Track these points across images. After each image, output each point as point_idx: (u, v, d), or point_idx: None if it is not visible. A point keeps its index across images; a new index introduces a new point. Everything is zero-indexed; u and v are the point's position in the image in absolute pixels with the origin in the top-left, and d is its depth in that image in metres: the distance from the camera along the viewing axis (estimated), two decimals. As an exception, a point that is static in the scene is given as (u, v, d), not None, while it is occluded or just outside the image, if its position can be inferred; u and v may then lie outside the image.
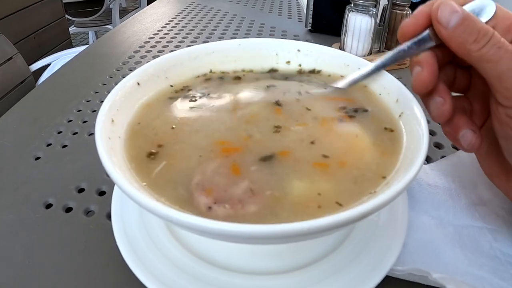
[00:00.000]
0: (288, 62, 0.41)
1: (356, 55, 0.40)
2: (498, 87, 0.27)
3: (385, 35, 0.73)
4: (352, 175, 0.27)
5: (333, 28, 0.85)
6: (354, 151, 0.29)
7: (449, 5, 0.27)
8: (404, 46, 0.31)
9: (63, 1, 2.25)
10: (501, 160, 0.31)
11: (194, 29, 0.97)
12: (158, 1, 1.27)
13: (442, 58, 0.30)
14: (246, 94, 0.36)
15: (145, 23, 1.02)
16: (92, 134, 0.52)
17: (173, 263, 0.30)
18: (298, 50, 0.41)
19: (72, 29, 2.80)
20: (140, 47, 0.85)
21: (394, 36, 0.73)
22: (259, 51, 0.41)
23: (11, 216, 0.38)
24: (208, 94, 0.36)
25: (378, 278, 0.29)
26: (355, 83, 0.35)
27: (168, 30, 0.96)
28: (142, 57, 0.79)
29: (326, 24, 0.89)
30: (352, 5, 0.68)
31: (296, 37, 0.91)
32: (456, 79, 0.33)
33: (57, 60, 1.22)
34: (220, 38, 0.91)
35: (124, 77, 0.34)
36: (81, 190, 0.42)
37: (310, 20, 0.91)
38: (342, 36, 0.72)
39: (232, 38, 0.91)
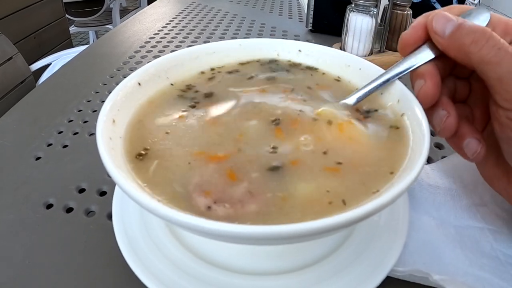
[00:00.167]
0: (289, 62, 0.41)
1: (357, 55, 0.40)
2: (498, 89, 0.27)
3: (386, 35, 0.73)
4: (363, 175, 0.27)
5: (334, 28, 0.85)
6: (363, 151, 0.29)
7: (442, 15, 0.28)
8: (406, 59, 0.31)
9: (63, 1, 2.25)
10: (501, 163, 0.31)
11: (194, 29, 0.97)
12: (158, 1, 1.27)
13: (443, 70, 0.30)
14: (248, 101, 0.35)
15: (145, 23, 1.02)
16: (92, 134, 0.52)
17: (173, 264, 0.30)
18: (299, 50, 0.41)
19: (72, 29, 2.80)
20: (141, 47, 0.85)
21: (395, 36, 0.73)
22: (259, 51, 0.41)
23: (11, 216, 0.38)
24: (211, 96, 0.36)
25: (378, 279, 0.29)
26: (364, 97, 0.34)
27: (169, 30, 0.96)
28: (142, 57, 0.79)
29: (327, 24, 0.89)
30: (353, 5, 0.68)
31: (296, 37, 0.91)
32: (456, 91, 0.33)
33: (58, 60, 1.22)
34: (221, 38, 0.91)
35: (125, 77, 0.34)
36: (81, 190, 0.42)
37: (311, 20, 0.91)
38: (343, 36, 0.72)
39: (232, 38, 0.91)
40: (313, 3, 0.87)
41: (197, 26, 1.00)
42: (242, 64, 0.41)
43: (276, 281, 0.30)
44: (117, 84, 0.32)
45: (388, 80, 0.32)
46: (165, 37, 0.91)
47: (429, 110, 0.30)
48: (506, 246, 0.33)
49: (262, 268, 0.31)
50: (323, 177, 0.27)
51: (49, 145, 0.50)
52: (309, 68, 0.40)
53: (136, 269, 0.29)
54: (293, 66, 0.41)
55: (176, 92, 0.36)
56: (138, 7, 3.56)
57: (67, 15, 2.33)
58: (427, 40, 0.30)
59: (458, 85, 0.32)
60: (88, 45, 0.91)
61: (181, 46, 0.86)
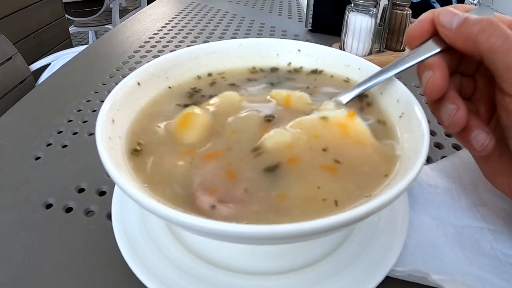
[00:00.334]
0: (289, 64, 0.41)
1: (356, 55, 0.40)
2: (506, 77, 0.27)
3: (385, 35, 0.73)
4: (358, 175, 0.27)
5: (333, 28, 0.85)
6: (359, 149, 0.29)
7: (449, 10, 0.29)
8: (413, 52, 0.31)
9: (63, 1, 2.25)
10: (504, 159, 0.31)
11: (194, 29, 0.97)
12: (158, 0, 1.27)
13: (449, 65, 0.30)
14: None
15: (145, 23, 1.02)
16: (92, 134, 0.52)
17: (173, 263, 0.30)
18: (299, 50, 0.41)
19: (72, 29, 2.80)
20: (140, 47, 0.85)
21: (394, 36, 0.73)
22: (259, 51, 0.41)
23: (11, 216, 0.38)
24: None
25: (378, 279, 0.29)
26: (357, 96, 0.35)
27: (168, 30, 0.96)
28: (142, 57, 0.79)
29: (326, 24, 0.89)
30: (352, 5, 0.68)
31: (296, 37, 0.91)
32: (462, 88, 0.33)
33: (57, 60, 1.22)
34: (220, 38, 0.91)
35: (124, 77, 0.34)
36: (81, 190, 0.42)
37: (310, 20, 0.91)
38: (343, 36, 0.72)
39: (232, 38, 0.91)
40: (312, 3, 0.87)
41: (197, 26, 1.00)
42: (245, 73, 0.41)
43: (276, 281, 0.30)
44: (116, 84, 0.32)
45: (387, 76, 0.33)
46: (165, 37, 0.91)
47: (436, 104, 0.30)
48: (506, 246, 0.33)
49: (262, 268, 0.31)
50: (321, 175, 0.27)
51: (49, 145, 0.50)
52: (313, 72, 0.40)
53: (136, 269, 0.29)
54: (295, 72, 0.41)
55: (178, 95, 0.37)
56: (137, 7, 3.56)
57: (66, 15, 2.33)
58: (433, 35, 0.30)
59: (464, 82, 0.33)
60: (87, 45, 0.91)
61: (180, 46, 0.86)
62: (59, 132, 0.52)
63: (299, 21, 1.04)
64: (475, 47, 0.27)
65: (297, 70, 0.41)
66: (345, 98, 0.34)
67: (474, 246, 0.33)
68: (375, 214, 0.22)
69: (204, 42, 0.83)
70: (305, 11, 0.93)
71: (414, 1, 0.69)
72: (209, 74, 0.40)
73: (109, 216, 0.38)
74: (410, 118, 0.30)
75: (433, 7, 0.79)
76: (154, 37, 0.91)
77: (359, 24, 0.68)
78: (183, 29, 0.97)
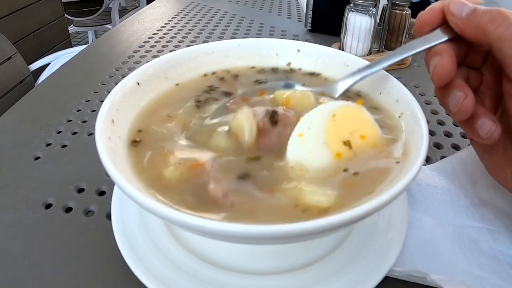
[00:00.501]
0: (289, 64, 0.41)
1: (355, 55, 0.40)
2: None
3: (384, 35, 0.73)
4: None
5: (333, 28, 0.85)
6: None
7: (459, 1, 0.29)
8: (418, 39, 0.31)
9: (63, 1, 2.25)
10: (509, 153, 0.31)
11: (193, 29, 0.97)
12: (157, 0, 1.27)
13: (458, 54, 0.30)
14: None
15: (144, 22, 1.02)
16: (91, 134, 0.52)
17: (173, 263, 0.30)
18: (298, 50, 0.41)
19: (71, 29, 2.80)
20: (140, 46, 0.85)
21: (393, 36, 0.73)
22: (258, 51, 0.41)
23: (11, 216, 0.38)
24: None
25: (377, 278, 0.29)
26: (349, 89, 0.35)
27: (168, 30, 0.96)
28: (141, 57, 0.79)
29: (326, 24, 0.89)
30: (351, 5, 0.68)
31: (295, 37, 0.91)
32: (468, 80, 0.33)
33: (57, 60, 1.21)
34: (220, 38, 0.91)
35: (124, 77, 0.34)
36: (80, 190, 0.42)
37: (310, 20, 0.91)
38: (342, 36, 0.72)
39: (231, 38, 0.91)
40: (312, 3, 0.87)
41: (196, 26, 1.00)
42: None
43: (276, 281, 0.30)
44: (116, 84, 0.32)
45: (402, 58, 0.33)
46: (164, 37, 0.91)
47: (444, 92, 0.30)
48: (504, 245, 0.33)
49: (262, 267, 0.31)
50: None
51: (48, 145, 0.50)
52: (311, 74, 0.41)
53: (136, 269, 0.29)
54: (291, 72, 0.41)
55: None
56: (137, 7, 3.56)
57: (66, 15, 2.32)
58: (442, 24, 0.31)
59: (470, 75, 0.33)
60: (87, 45, 0.91)
61: (180, 46, 0.86)
62: (59, 132, 0.52)
63: (299, 21, 1.04)
64: (484, 36, 0.28)
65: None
66: (342, 86, 0.34)
67: (473, 246, 0.33)
68: (374, 214, 0.22)
69: (204, 42, 0.83)
70: (304, 11, 0.93)
71: (414, 1, 0.69)
72: (213, 73, 0.40)
73: (108, 216, 0.38)
74: (409, 118, 0.30)
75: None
76: (153, 37, 0.91)
77: (359, 24, 0.68)
78: (182, 29, 0.97)
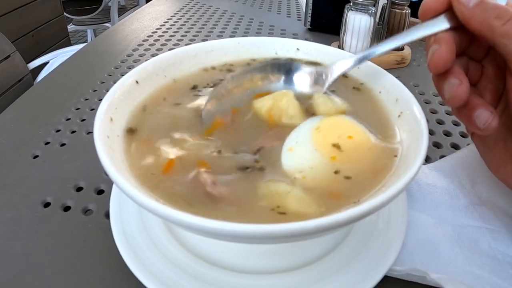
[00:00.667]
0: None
1: (355, 53, 0.40)
2: None
3: (384, 34, 0.73)
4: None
5: (332, 27, 0.85)
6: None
7: None
8: (419, 26, 0.31)
9: (62, -1, 2.25)
10: (510, 147, 0.31)
11: (192, 28, 0.97)
12: (156, -1, 1.27)
13: (459, 43, 0.30)
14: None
15: (143, 21, 1.02)
16: (90, 132, 0.52)
17: (171, 262, 0.30)
18: (297, 49, 0.41)
19: (70, 27, 2.79)
20: (139, 45, 0.84)
21: (393, 35, 0.72)
22: (258, 50, 0.41)
23: (9, 215, 0.38)
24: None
25: (376, 278, 0.29)
26: (347, 72, 0.35)
27: (167, 29, 0.96)
28: (140, 55, 0.79)
29: (325, 23, 0.89)
30: (351, 4, 0.68)
31: (295, 36, 0.91)
32: (468, 71, 0.32)
33: (55, 58, 1.21)
34: (219, 37, 0.90)
35: (122, 76, 0.34)
36: (79, 189, 0.42)
37: (309, 19, 0.91)
38: (341, 34, 0.72)
39: (231, 36, 0.91)
40: (311, 2, 0.87)
41: (195, 24, 1.00)
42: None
43: (276, 280, 0.30)
44: (115, 83, 0.32)
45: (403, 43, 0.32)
46: (163, 36, 0.91)
47: (440, 79, 0.30)
48: (504, 245, 0.33)
49: (260, 267, 0.31)
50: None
51: (47, 143, 0.49)
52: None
53: (134, 268, 0.29)
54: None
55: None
56: (136, 5, 3.55)
57: (65, 13, 2.32)
58: (446, 10, 0.30)
59: (471, 67, 0.33)
60: (86, 44, 0.91)
61: (179, 44, 0.86)
62: (57, 131, 0.52)
63: (298, 20, 1.04)
64: (489, 31, 0.27)
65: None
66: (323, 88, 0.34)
67: (472, 246, 0.33)
68: (373, 213, 0.22)
69: (203, 40, 0.82)
70: (304, 10, 0.92)
71: (413, 0, 0.69)
72: (213, 68, 0.40)
73: (107, 215, 0.37)
74: (409, 118, 0.30)
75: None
76: (152, 36, 0.90)
77: (358, 23, 0.68)
78: (181, 28, 0.97)
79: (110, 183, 0.41)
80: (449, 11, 0.30)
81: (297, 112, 0.32)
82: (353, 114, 0.33)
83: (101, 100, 0.30)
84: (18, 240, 0.35)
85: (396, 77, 0.34)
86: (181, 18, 1.05)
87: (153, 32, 0.93)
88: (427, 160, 0.46)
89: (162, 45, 0.85)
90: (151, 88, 0.35)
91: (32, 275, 0.32)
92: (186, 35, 0.91)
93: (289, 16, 1.08)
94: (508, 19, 0.27)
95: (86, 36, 3.31)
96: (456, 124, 0.54)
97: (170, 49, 0.37)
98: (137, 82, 0.34)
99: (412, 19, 0.70)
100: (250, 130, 0.31)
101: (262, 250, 0.32)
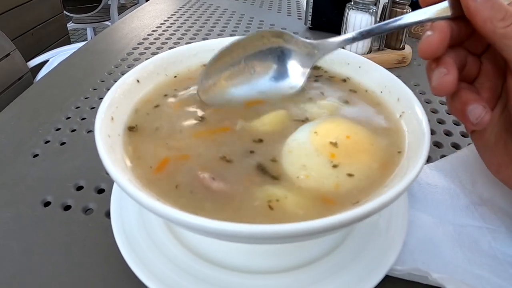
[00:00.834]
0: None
1: (356, 53, 0.40)
2: None
3: (385, 33, 0.72)
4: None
5: (333, 26, 0.85)
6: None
7: None
8: (420, 10, 0.30)
9: (61, -3, 2.24)
10: (510, 149, 0.31)
11: (193, 26, 0.97)
12: (156, -3, 1.27)
13: (456, 34, 0.30)
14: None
15: (143, 19, 1.02)
16: (90, 131, 0.52)
17: (172, 262, 0.30)
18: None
19: (70, 26, 2.79)
20: (139, 43, 0.84)
21: (394, 35, 0.72)
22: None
23: (9, 214, 0.38)
24: None
25: (378, 277, 0.29)
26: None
27: (167, 27, 0.95)
28: (140, 54, 0.78)
29: (326, 22, 0.89)
30: (352, 3, 0.67)
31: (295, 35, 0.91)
32: (466, 65, 0.32)
33: (55, 57, 1.21)
34: (219, 35, 0.90)
35: (123, 74, 0.34)
36: (79, 188, 0.41)
37: (310, 18, 0.90)
38: (342, 33, 0.71)
39: (231, 35, 0.90)
40: (312, 1, 0.87)
41: (196, 23, 0.99)
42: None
43: (277, 280, 0.30)
44: (115, 81, 0.32)
45: (399, 27, 0.32)
46: (164, 34, 0.90)
47: (431, 67, 0.30)
48: (504, 245, 0.33)
49: (262, 266, 0.31)
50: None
51: (47, 142, 0.49)
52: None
53: (135, 268, 0.29)
54: None
55: None
56: (136, 4, 3.54)
57: (65, 12, 2.31)
58: None
59: (469, 61, 0.32)
60: (86, 42, 0.90)
61: (179, 43, 0.85)
62: (57, 129, 0.52)
63: (298, 19, 1.04)
64: (491, 31, 0.27)
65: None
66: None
67: (473, 245, 0.33)
68: (374, 214, 0.21)
69: (203, 39, 0.82)
70: (304, 9, 0.92)
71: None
72: None
73: (107, 214, 0.37)
74: (410, 117, 0.30)
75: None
76: (153, 34, 0.90)
77: (359, 22, 0.68)
78: (182, 26, 0.96)
79: (110, 182, 0.41)
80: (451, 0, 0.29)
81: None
82: (354, 114, 0.33)
83: (101, 98, 0.30)
84: (17, 239, 0.35)
85: (397, 77, 0.34)
86: (181, 17, 1.04)
87: (153, 31, 0.93)
88: (428, 159, 0.46)
89: (163, 43, 0.85)
90: (152, 87, 0.35)
91: (31, 275, 0.32)
92: (186, 34, 0.91)
93: (290, 15, 1.08)
94: (511, 23, 0.27)
95: (86, 34, 3.30)
96: (456, 123, 0.54)
97: (170, 48, 0.37)
98: (138, 81, 0.34)
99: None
100: (249, 133, 0.31)
101: (263, 250, 0.32)
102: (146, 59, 0.36)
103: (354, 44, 0.70)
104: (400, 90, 0.32)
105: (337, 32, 0.73)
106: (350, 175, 0.27)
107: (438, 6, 0.30)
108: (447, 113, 0.56)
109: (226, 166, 0.27)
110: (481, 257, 0.32)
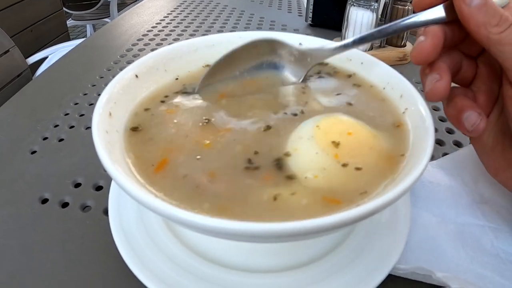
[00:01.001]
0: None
1: (357, 49, 0.39)
2: None
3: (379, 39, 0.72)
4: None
5: (334, 23, 0.85)
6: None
7: None
8: (413, 16, 0.30)
9: (61, -6, 2.24)
10: (507, 153, 0.31)
11: (193, 22, 0.96)
12: (156, -6, 1.26)
13: (450, 38, 0.29)
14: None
15: (143, 16, 1.01)
16: (89, 127, 0.51)
17: (171, 260, 0.30)
18: (300, 44, 0.40)
19: (69, 22, 2.78)
20: (138, 40, 0.84)
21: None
22: (260, 45, 0.40)
23: (6, 212, 0.37)
24: None
25: (381, 276, 0.28)
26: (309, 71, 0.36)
27: (167, 23, 0.95)
28: (140, 50, 0.78)
29: (327, 19, 0.88)
30: (353, -1, 0.67)
31: (296, 32, 0.90)
32: (461, 68, 0.32)
33: (54, 53, 1.21)
34: (219, 32, 0.90)
35: (122, 70, 0.33)
36: (77, 185, 0.41)
37: (311, 15, 0.90)
38: (343, 30, 0.71)
39: (231, 31, 0.90)
40: (313, -2, 0.87)
41: (196, 19, 0.99)
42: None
43: (278, 279, 0.29)
44: (114, 77, 0.32)
45: (393, 32, 0.31)
46: (163, 30, 0.90)
47: (425, 73, 0.30)
48: (507, 244, 0.33)
49: (262, 265, 0.30)
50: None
51: (45, 138, 0.49)
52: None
53: (133, 266, 0.29)
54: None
55: None
56: (136, 0, 3.53)
57: (64, 8, 2.31)
58: (443, 2, 0.29)
59: (464, 64, 0.32)
60: (85, 38, 0.90)
61: (179, 39, 0.85)
62: (56, 126, 0.52)
63: (299, 16, 1.03)
64: (485, 37, 0.27)
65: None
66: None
67: (475, 244, 0.33)
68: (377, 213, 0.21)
69: (203, 35, 0.82)
70: (305, 6, 0.92)
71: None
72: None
73: (106, 212, 0.37)
74: (413, 114, 0.30)
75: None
76: (152, 30, 0.90)
77: (360, 19, 0.67)
78: (181, 23, 0.96)
79: (108, 179, 0.41)
80: (448, 2, 0.29)
81: None
82: (357, 111, 0.32)
83: (100, 95, 0.30)
84: (15, 237, 0.35)
85: (400, 73, 0.34)
86: (181, 13, 1.04)
87: (153, 27, 0.92)
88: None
89: (162, 39, 0.84)
90: (151, 83, 0.35)
91: (29, 273, 0.31)
92: (186, 30, 0.90)
93: (290, 12, 1.07)
94: (507, 28, 0.26)
95: (86, 31, 3.30)
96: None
97: (170, 44, 0.36)
98: (136, 76, 0.34)
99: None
100: (251, 129, 0.31)
101: (263, 249, 0.32)
102: (146, 55, 0.36)
103: (356, 41, 0.69)
104: (403, 87, 0.32)
105: (338, 29, 0.73)
106: (358, 168, 0.27)
107: (432, 11, 0.29)
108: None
109: (230, 165, 0.27)
110: (484, 256, 0.32)
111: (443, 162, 0.41)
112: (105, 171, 0.30)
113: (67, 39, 2.26)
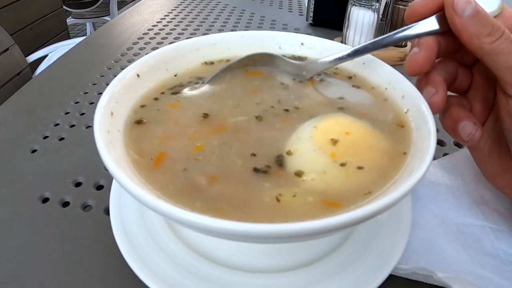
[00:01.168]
0: (292, 56, 0.40)
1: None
2: (508, 79, 0.27)
3: (387, 30, 0.72)
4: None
5: (335, 22, 0.84)
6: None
7: None
8: (406, 28, 0.30)
9: (61, -8, 2.23)
10: (504, 160, 0.31)
11: (193, 21, 0.96)
12: (157, -8, 1.26)
13: (444, 48, 0.30)
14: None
15: (144, 14, 1.01)
16: (89, 126, 0.51)
17: (172, 260, 0.30)
18: (302, 44, 0.40)
19: (69, 21, 2.78)
20: (139, 38, 0.84)
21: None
22: (261, 44, 0.40)
23: (6, 211, 0.37)
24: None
25: (382, 276, 0.28)
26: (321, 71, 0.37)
27: (167, 22, 0.95)
28: (140, 49, 0.78)
29: (328, 18, 0.88)
30: (355, -1, 0.67)
31: (297, 31, 0.90)
32: (457, 77, 0.32)
33: (54, 52, 1.21)
34: (220, 31, 0.90)
35: (122, 69, 0.33)
36: (78, 184, 0.41)
37: (311, 14, 0.90)
38: (344, 30, 0.71)
39: (232, 30, 0.90)
40: (313, -3, 0.87)
41: (196, 18, 0.99)
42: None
43: (279, 279, 0.29)
44: (115, 76, 0.32)
45: (386, 45, 0.31)
46: (164, 29, 0.90)
47: (421, 85, 0.30)
48: (507, 244, 0.33)
49: (262, 265, 0.30)
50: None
51: (45, 137, 0.49)
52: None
53: (134, 266, 0.29)
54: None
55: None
56: (136, -1, 3.53)
57: (64, 7, 2.31)
58: (436, 13, 0.29)
59: (460, 72, 0.32)
60: (85, 37, 0.90)
61: (179, 38, 0.85)
62: (56, 125, 0.52)
63: (300, 15, 1.03)
64: (478, 47, 0.27)
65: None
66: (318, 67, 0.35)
67: (476, 245, 0.33)
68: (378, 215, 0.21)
69: (204, 34, 0.82)
70: (306, 5, 0.92)
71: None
72: (211, 62, 0.39)
73: (107, 211, 0.37)
74: (415, 115, 0.30)
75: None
76: (153, 29, 0.90)
77: (361, 19, 0.67)
78: (182, 21, 0.96)
79: (109, 178, 0.41)
80: (441, 13, 0.29)
81: None
82: (358, 111, 0.32)
83: (100, 93, 0.29)
84: (15, 236, 0.35)
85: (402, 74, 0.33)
86: (181, 12, 1.04)
87: (153, 26, 0.92)
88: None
89: (163, 38, 0.84)
90: (152, 82, 0.35)
91: (29, 272, 0.31)
92: (187, 29, 0.90)
93: (291, 11, 1.07)
94: (499, 37, 0.26)
95: (85, 29, 3.30)
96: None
97: (170, 43, 0.36)
98: (138, 75, 0.33)
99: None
100: (252, 130, 0.31)
101: (265, 249, 0.32)
102: (146, 54, 0.36)
103: (357, 40, 0.69)
104: (405, 87, 0.32)
105: (339, 28, 0.73)
106: (360, 168, 0.26)
107: (425, 22, 0.29)
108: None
109: (230, 163, 0.27)
110: (484, 256, 0.32)
111: (444, 162, 0.41)
112: (106, 170, 0.30)
113: (67, 37, 2.26)
